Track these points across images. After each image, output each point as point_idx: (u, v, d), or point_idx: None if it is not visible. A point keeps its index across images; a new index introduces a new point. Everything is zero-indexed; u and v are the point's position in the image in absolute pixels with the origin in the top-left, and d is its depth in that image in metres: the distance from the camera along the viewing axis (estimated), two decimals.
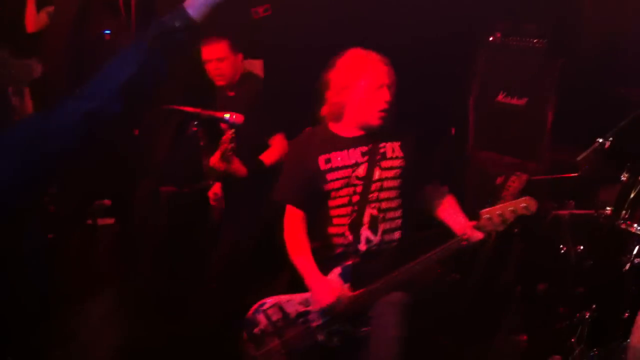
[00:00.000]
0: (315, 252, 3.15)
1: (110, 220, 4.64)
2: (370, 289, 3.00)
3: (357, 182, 3.08)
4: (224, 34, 4.20)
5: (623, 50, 5.00)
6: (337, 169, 3.10)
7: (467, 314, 4.13)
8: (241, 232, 4.27)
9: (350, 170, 3.09)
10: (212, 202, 4.38)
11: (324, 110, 3.21)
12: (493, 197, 4.21)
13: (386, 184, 3.10)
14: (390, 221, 3.12)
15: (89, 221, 4.48)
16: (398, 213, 3.15)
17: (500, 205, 3.06)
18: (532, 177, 4.37)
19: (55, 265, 4.21)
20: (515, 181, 4.38)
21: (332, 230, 3.12)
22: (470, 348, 3.98)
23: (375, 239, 3.08)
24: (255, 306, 3.12)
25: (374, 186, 3.07)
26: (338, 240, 3.11)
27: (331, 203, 3.12)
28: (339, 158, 3.10)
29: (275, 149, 4.23)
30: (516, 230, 3.85)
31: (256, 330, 3.07)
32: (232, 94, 4.31)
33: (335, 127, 3.21)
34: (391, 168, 3.13)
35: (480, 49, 5.12)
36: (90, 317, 3.77)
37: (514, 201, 3.07)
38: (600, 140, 3.70)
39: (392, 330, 2.92)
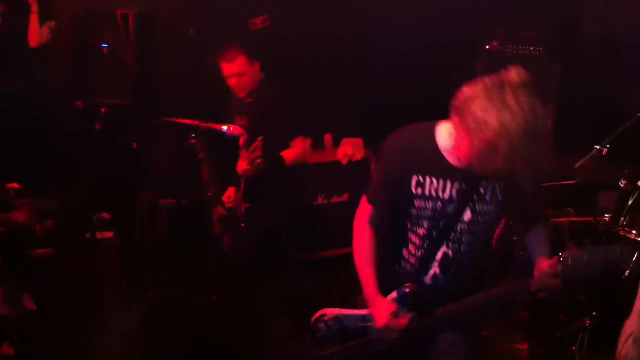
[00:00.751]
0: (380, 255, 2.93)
1: (109, 234, 4.63)
2: (425, 321, 2.84)
3: (443, 218, 2.76)
4: (240, 48, 4.17)
5: (622, 55, 5.01)
6: (428, 198, 2.75)
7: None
8: (264, 231, 4.28)
9: (441, 204, 2.74)
10: (226, 205, 4.35)
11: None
12: None
13: (474, 227, 2.76)
14: (465, 267, 2.80)
15: (88, 235, 4.46)
16: (478, 260, 2.84)
17: (588, 249, 2.74)
18: None
19: (55, 279, 4.25)
20: None
21: (405, 253, 2.87)
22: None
23: (444, 280, 2.81)
24: (317, 315, 3.05)
25: (459, 227, 2.76)
26: (407, 266, 2.87)
27: (410, 225, 2.82)
28: (433, 186, 2.74)
29: (296, 149, 4.26)
30: None
31: (318, 335, 3.06)
32: (250, 100, 4.33)
33: (444, 137, 2.71)
34: (486, 213, 2.75)
35: (478, 57, 5.13)
36: (92, 330, 3.77)
37: (605, 247, 2.72)
38: (598, 147, 3.70)
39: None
